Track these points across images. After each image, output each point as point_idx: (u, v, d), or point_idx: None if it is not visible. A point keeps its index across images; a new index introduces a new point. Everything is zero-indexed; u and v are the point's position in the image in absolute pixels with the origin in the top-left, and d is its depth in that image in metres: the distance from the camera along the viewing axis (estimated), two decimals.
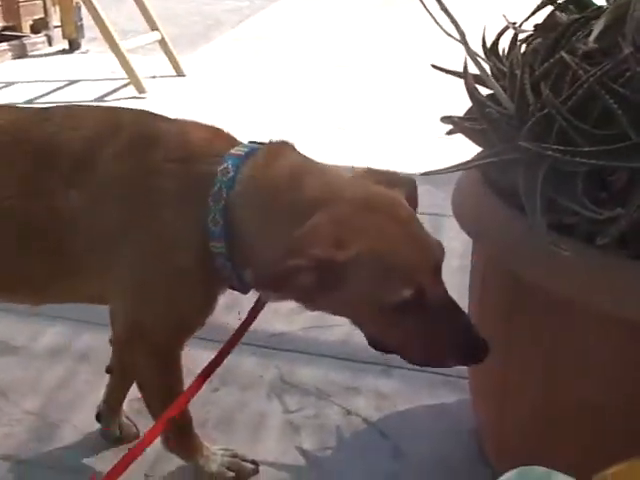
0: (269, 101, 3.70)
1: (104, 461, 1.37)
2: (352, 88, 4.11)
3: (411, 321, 0.95)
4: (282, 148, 1.07)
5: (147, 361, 1.17)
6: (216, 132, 1.11)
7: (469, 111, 1.19)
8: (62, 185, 1.05)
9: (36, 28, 4.48)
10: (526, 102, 1.01)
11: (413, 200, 1.08)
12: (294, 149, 1.08)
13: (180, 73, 3.97)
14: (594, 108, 0.97)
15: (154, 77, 3.87)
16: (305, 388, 1.59)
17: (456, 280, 1.95)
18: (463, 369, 1.47)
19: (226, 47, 4.94)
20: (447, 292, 0.99)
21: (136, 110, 1.20)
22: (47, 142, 1.06)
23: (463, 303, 1.48)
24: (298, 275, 0.91)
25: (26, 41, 4.37)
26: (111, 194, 1.05)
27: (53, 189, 1.05)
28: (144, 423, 1.45)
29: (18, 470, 1.36)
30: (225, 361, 1.32)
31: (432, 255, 0.97)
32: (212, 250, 1.04)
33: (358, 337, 1.74)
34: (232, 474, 1.31)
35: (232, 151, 1.04)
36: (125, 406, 1.45)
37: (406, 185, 1.06)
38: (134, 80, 3.61)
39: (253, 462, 1.34)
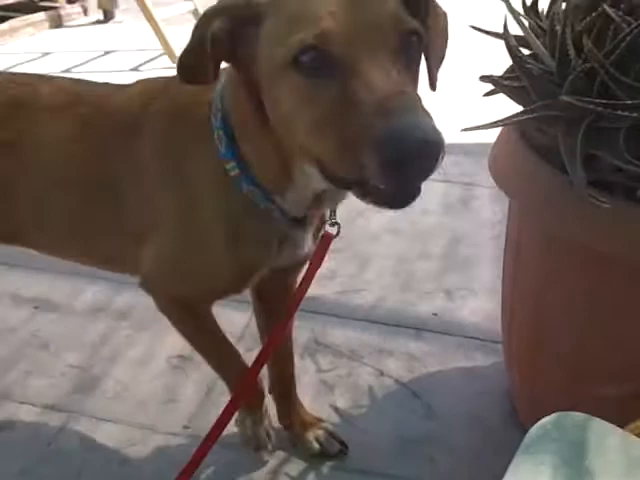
0: None
1: (145, 413, 1.42)
2: None
3: (321, 91, 0.75)
4: None
5: (172, 313, 1.14)
6: None
7: (509, 70, 1.18)
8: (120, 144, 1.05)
9: None
10: (567, 58, 1.00)
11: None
12: None
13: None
14: (636, 62, 0.95)
15: None
16: (338, 349, 1.62)
17: (489, 249, 1.97)
18: (496, 333, 1.48)
19: None
20: (387, 73, 0.74)
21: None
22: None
23: (496, 271, 1.50)
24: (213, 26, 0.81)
25: (62, 11, 4.42)
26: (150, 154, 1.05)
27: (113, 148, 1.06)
28: (183, 380, 1.51)
29: (61, 419, 1.41)
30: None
31: (368, 16, 0.76)
32: (232, 180, 0.95)
33: (390, 301, 1.78)
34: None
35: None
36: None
37: None
38: (168, 50, 3.63)
39: (342, 443, 1.34)
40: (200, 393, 1.47)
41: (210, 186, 0.98)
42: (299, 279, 1.12)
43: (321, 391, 1.50)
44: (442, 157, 0.70)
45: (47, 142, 1.09)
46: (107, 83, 1.16)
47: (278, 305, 1.23)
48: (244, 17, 0.82)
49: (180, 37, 3.86)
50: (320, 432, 1.35)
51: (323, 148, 0.77)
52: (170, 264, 1.08)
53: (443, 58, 0.94)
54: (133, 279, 1.15)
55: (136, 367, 1.55)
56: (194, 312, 1.14)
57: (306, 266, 1.10)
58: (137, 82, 1.11)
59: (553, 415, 0.74)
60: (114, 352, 1.60)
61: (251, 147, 0.93)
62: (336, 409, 1.45)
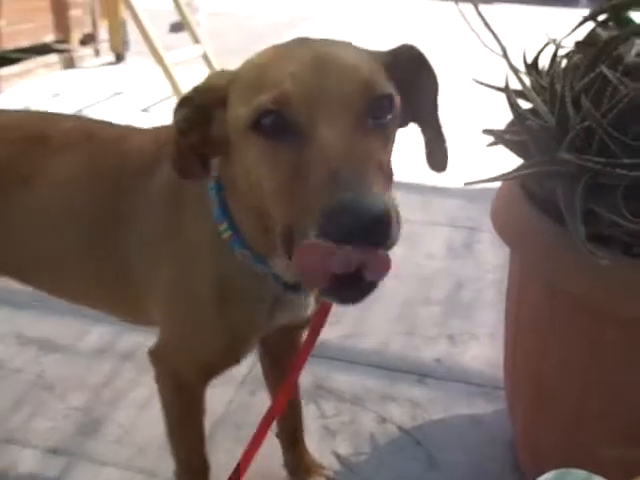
0: None
1: (145, 457, 1.42)
2: None
3: (280, 155, 0.73)
4: None
5: (165, 390, 1.13)
6: None
7: (510, 124, 1.21)
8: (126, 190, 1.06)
9: (85, 41, 4.64)
10: (566, 115, 1.03)
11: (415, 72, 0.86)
12: None
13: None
14: (634, 122, 0.98)
15: None
16: (341, 395, 1.62)
17: (491, 293, 1.99)
18: (498, 380, 1.49)
19: None
20: (344, 140, 0.70)
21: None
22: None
23: (498, 315, 1.51)
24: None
25: (75, 53, 4.53)
26: (155, 202, 1.04)
27: (117, 193, 1.06)
28: None
29: (62, 463, 1.41)
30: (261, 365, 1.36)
31: (331, 79, 0.73)
32: (226, 242, 0.93)
33: (394, 346, 1.79)
34: None
35: None
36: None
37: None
38: (177, 92, 3.71)
39: None
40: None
41: (205, 246, 0.97)
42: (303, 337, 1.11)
43: (324, 437, 1.50)
44: (390, 235, 0.66)
45: (57, 179, 1.10)
46: (122, 125, 1.17)
47: (283, 358, 1.24)
48: (209, 102, 0.82)
49: (189, 79, 3.96)
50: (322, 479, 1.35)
51: (279, 215, 0.74)
52: (168, 330, 1.08)
53: (443, 144, 0.90)
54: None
55: (138, 410, 1.56)
56: (185, 396, 1.13)
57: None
58: (154, 128, 1.12)
59: (554, 472, 0.74)
60: (117, 394, 1.61)
61: (237, 210, 0.92)
62: (338, 456, 1.45)
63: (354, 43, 0.85)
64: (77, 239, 1.11)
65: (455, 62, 4.43)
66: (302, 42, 0.81)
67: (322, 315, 1.03)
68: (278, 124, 0.73)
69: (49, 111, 1.25)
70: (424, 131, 0.90)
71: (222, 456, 1.38)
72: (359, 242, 0.64)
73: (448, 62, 4.49)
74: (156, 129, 1.11)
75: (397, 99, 0.80)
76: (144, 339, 1.15)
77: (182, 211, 0.99)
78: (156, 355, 1.11)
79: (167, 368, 1.11)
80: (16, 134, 1.13)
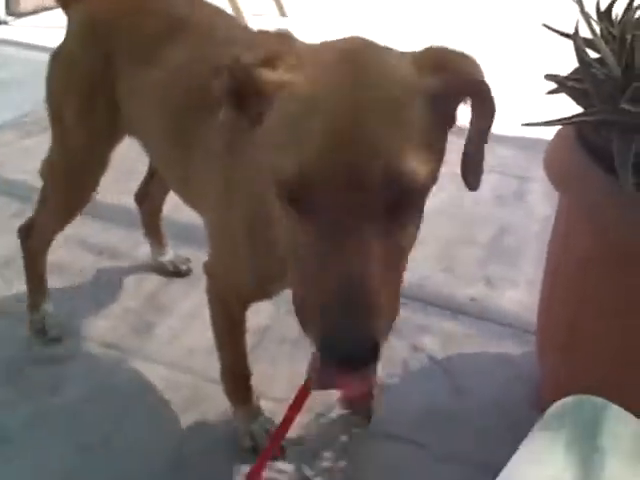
0: None
1: (194, 359, 1.54)
2: (462, 40, 4.04)
3: (301, 231, 0.70)
4: None
5: (212, 302, 1.23)
6: None
7: (574, 72, 1.21)
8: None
9: None
10: (633, 66, 1.04)
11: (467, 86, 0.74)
12: None
13: (283, 14, 4.04)
14: None
15: (259, 15, 3.96)
16: None
17: (534, 243, 2.01)
18: (531, 324, 1.54)
19: None
20: (363, 256, 0.66)
21: None
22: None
23: (538, 265, 1.54)
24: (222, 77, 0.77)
25: None
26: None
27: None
28: None
29: (116, 357, 1.54)
30: None
31: (352, 164, 0.66)
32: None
33: (432, 281, 1.85)
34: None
35: None
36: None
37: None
38: (240, 17, 3.70)
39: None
40: (248, 344, 1.57)
41: (246, 193, 1.00)
42: None
43: None
44: (375, 361, 0.66)
45: (170, 66, 1.17)
46: (246, 29, 1.24)
47: None
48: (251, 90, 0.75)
49: (250, 5, 3.94)
50: None
51: (293, 280, 0.73)
52: (213, 254, 1.17)
53: (480, 163, 0.80)
54: (193, 235, 1.25)
55: (188, 317, 1.67)
56: (228, 311, 1.23)
57: None
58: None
59: (573, 396, 0.79)
60: (169, 302, 1.72)
61: None
62: None
63: (402, 63, 0.74)
64: (171, 123, 1.18)
65: (525, 4, 4.29)
66: (348, 65, 0.71)
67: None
68: (300, 199, 0.68)
69: None
70: (465, 145, 0.80)
71: (266, 366, 1.49)
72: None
73: (518, 5, 4.36)
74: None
75: (429, 185, 0.71)
76: (198, 253, 1.23)
77: (236, 151, 1.02)
78: (207, 270, 1.21)
79: (214, 284, 1.21)
80: (162, 16, 1.21)
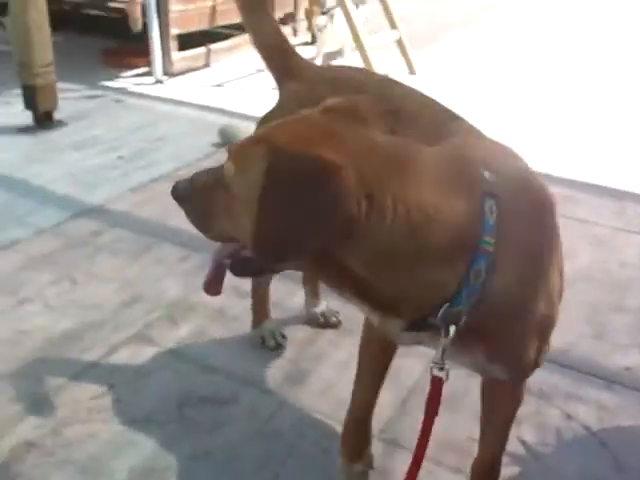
0: (497, 102, 3.75)
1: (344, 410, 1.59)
2: (585, 91, 3.97)
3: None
4: None
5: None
6: None
7: None
8: None
9: (284, 20, 4.93)
10: None
11: None
12: None
13: (412, 71, 4.16)
14: None
15: (388, 74, 4.11)
16: (527, 386, 1.68)
17: None
18: None
19: (455, 48, 5.04)
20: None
21: None
22: None
23: None
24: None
25: None
26: None
27: None
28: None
29: (275, 404, 1.62)
30: None
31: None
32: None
33: (581, 348, 1.81)
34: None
35: None
36: None
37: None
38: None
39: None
40: (397, 400, 1.61)
41: None
42: None
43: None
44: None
45: None
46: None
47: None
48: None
49: (381, 64, 4.09)
50: None
51: None
52: None
53: None
54: None
55: (339, 368, 1.73)
56: (367, 341, 1.33)
57: None
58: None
59: None
60: (320, 352, 1.80)
61: None
62: (523, 442, 1.52)
63: None
64: None
65: None
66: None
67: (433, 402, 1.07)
68: None
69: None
70: None
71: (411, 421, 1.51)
72: None
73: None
74: None
75: None
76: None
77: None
78: None
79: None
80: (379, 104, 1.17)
